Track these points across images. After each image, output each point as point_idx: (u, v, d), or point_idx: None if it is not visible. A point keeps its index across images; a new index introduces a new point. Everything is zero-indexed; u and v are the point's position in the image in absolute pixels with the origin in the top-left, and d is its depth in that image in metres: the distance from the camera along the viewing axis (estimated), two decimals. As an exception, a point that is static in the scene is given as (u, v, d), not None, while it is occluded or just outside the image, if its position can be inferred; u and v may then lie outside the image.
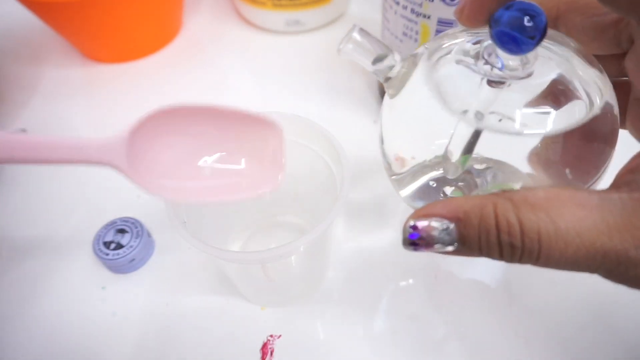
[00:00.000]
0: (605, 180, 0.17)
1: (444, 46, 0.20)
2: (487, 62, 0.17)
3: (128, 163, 0.20)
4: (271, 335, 0.29)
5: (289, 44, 0.49)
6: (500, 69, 0.17)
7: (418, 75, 0.19)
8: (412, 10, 0.32)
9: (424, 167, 0.19)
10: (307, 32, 0.50)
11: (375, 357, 0.28)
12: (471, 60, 0.18)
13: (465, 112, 0.18)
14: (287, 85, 0.45)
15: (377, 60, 0.20)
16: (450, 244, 0.15)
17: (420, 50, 0.21)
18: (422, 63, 0.20)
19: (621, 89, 0.19)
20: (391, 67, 0.20)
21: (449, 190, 0.19)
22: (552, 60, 0.18)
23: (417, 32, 0.33)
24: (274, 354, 0.29)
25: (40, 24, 0.48)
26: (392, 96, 0.20)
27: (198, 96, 0.45)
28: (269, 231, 0.34)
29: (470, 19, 0.17)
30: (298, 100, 0.43)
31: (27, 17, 0.47)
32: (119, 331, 0.30)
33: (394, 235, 0.33)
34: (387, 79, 0.20)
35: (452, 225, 0.15)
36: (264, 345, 0.29)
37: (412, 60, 0.20)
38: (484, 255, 0.15)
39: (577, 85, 0.18)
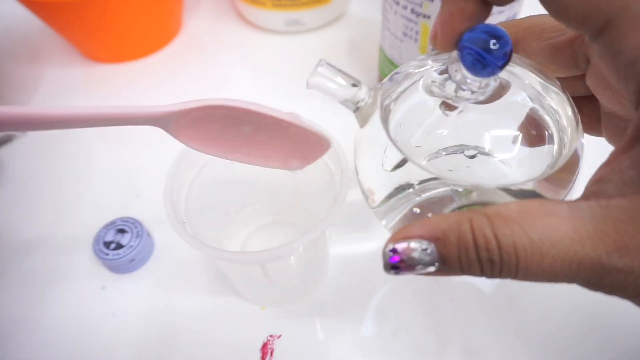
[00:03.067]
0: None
1: (409, 73, 0.20)
2: (453, 82, 0.18)
3: (174, 127, 0.22)
4: (271, 335, 0.29)
5: (289, 44, 0.49)
6: (465, 87, 0.17)
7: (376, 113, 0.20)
8: (412, 10, 0.32)
9: (405, 195, 0.19)
10: (307, 32, 0.50)
11: (375, 357, 0.28)
12: (435, 86, 0.18)
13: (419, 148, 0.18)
14: (287, 85, 0.45)
15: (346, 89, 0.21)
16: (432, 264, 0.15)
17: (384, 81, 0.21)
18: (378, 101, 0.20)
19: (592, 101, 0.19)
20: (359, 98, 0.21)
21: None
22: (513, 82, 0.19)
23: (417, 32, 0.33)
24: (274, 354, 0.29)
25: (40, 24, 0.48)
26: (361, 126, 0.21)
27: (198, 96, 0.44)
28: (268, 231, 0.34)
29: (444, 43, 0.17)
30: (298, 100, 0.43)
31: (27, 17, 0.47)
32: (119, 331, 0.30)
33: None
34: (356, 109, 0.21)
35: (431, 245, 0.15)
36: (264, 345, 0.29)
37: (377, 92, 0.20)
38: (465, 273, 0.15)
39: (542, 114, 0.18)
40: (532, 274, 0.14)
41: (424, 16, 0.32)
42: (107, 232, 0.33)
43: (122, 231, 0.32)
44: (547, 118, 0.18)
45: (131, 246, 0.32)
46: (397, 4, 0.33)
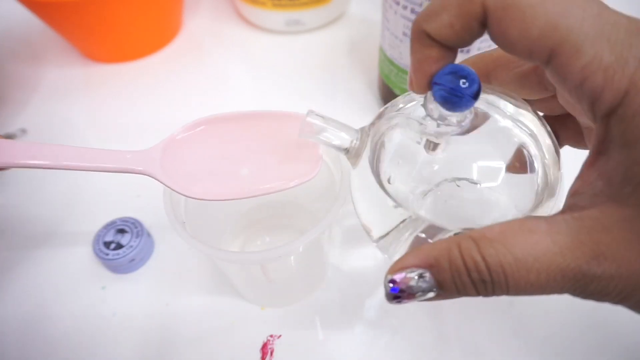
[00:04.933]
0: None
1: (398, 110, 0.21)
2: (432, 119, 0.19)
3: (162, 170, 0.22)
4: (271, 335, 0.29)
5: (289, 44, 0.49)
6: (444, 123, 0.19)
7: (364, 156, 0.21)
8: (412, 10, 0.32)
9: (404, 228, 0.20)
10: (307, 32, 0.50)
11: (375, 357, 0.28)
12: (416, 124, 0.20)
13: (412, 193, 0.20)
14: (287, 85, 0.45)
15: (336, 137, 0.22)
16: (430, 290, 0.16)
17: (371, 123, 0.22)
18: (367, 147, 0.21)
19: (574, 118, 0.21)
20: (347, 144, 0.22)
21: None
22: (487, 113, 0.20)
23: (416, 32, 0.33)
24: (274, 354, 0.29)
25: (40, 24, 0.48)
26: (353, 166, 0.22)
27: (198, 96, 0.45)
28: (268, 231, 0.34)
29: (419, 87, 0.19)
30: (298, 100, 0.43)
31: (27, 17, 0.47)
32: (119, 331, 0.30)
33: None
34: (346, 151, 0.22)
35: (427, 273, 0.16)
36: (264, 345, 0.29)
37: (365, 134, 0.22)
38: (462, 295, 0.16)
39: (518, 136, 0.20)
40: (521, 288, 0.14)
41: (424, 16, 0.32)
42: (107, 232, 0.33)
43: (122, 231, 0.32)
44: (527, 141, 0.20)
45: (131, 246, 0.32)
46: (397, 4, 0.33)
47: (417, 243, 0.19)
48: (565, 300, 0.30)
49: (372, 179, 0.20)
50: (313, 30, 0.50)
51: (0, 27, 0.53)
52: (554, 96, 0.20)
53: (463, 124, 0.19)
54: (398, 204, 0.19)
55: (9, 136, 0.42)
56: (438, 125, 0.19)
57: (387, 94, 0.40)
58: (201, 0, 0.55)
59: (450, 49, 0.17)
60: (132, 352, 0.29)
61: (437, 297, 0.16)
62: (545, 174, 0.19)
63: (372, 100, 0.43)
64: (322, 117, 0.22)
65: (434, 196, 0.20)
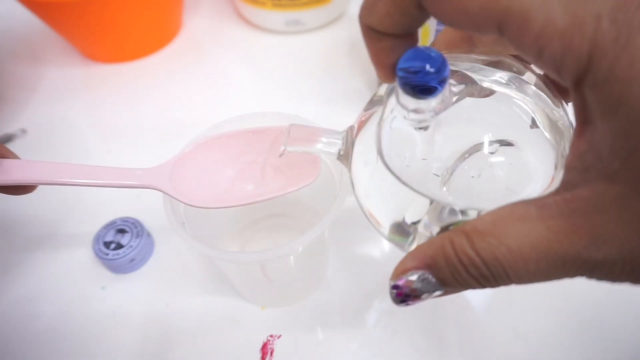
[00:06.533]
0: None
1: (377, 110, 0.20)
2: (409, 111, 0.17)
3: (171, 185, 0.24)
4: (271, 335, 0.29)
5: (289, 44, 0.49)
6: (422, 111, 0.17)
7: (356, 152, 0.20)
8: (412, 10, 0.32)
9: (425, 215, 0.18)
10: (307, 32, 0.50)
11: (374, 356, 0.28)
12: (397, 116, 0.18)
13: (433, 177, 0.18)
14: (287, 85, 0.45)
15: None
16: (435, 289, 0.15)
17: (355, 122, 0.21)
18: (357, 144, 0.20)
19: None
20: (336, 148, 0.21)
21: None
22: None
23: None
24: (274, 354, 0.29)
25: (40, 24, 0.48)
26: (347, 167, 0.21)
27: (198, 96, 0.45)
28: (268, 232, 0.34)
29: (385, 78, 0.17)
30: (298, 100, 0.43)
31: (27, 17, 0.47)
32: (119, 331, 0.30)
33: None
34: (338, 155, 0.21)
35: (427, 274, 0.15)
36: (264, 345, 0.29)
37: (349, 133, 0.21)
38: (469, 288, 0.15)
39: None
40: (524, 278, 0.14)
41: (424, 16, 0.32)
42: (107, 232, 0.33)
43: (122, 231, 0.32)
44: (530, 108, 0.18)
45: (131, 246, 0.32)
46: (397, 4, 0.33)
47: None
48: (565, 300, 0.30)
49: (379, 173, 0.18)
50: (313, 30, 0.50)
51: (0, 27, 0.53)
52: None
53: (443, 107, 0.17)
54: (414, 190, 0.17)
55: (9, 136, 0.42)
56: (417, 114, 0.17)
57: (387, 94, 0.40)
58: (201, 0, 0.55)
59: (402, 36, 0.16)
60: (132, 351, 0.29)
61: (445, 293, 0.15)
62: (560, 133, 0.18)
63: (372, 100, 0.43)
64: (305, 127, 0.22)
65: (460, 173, 0.19)
